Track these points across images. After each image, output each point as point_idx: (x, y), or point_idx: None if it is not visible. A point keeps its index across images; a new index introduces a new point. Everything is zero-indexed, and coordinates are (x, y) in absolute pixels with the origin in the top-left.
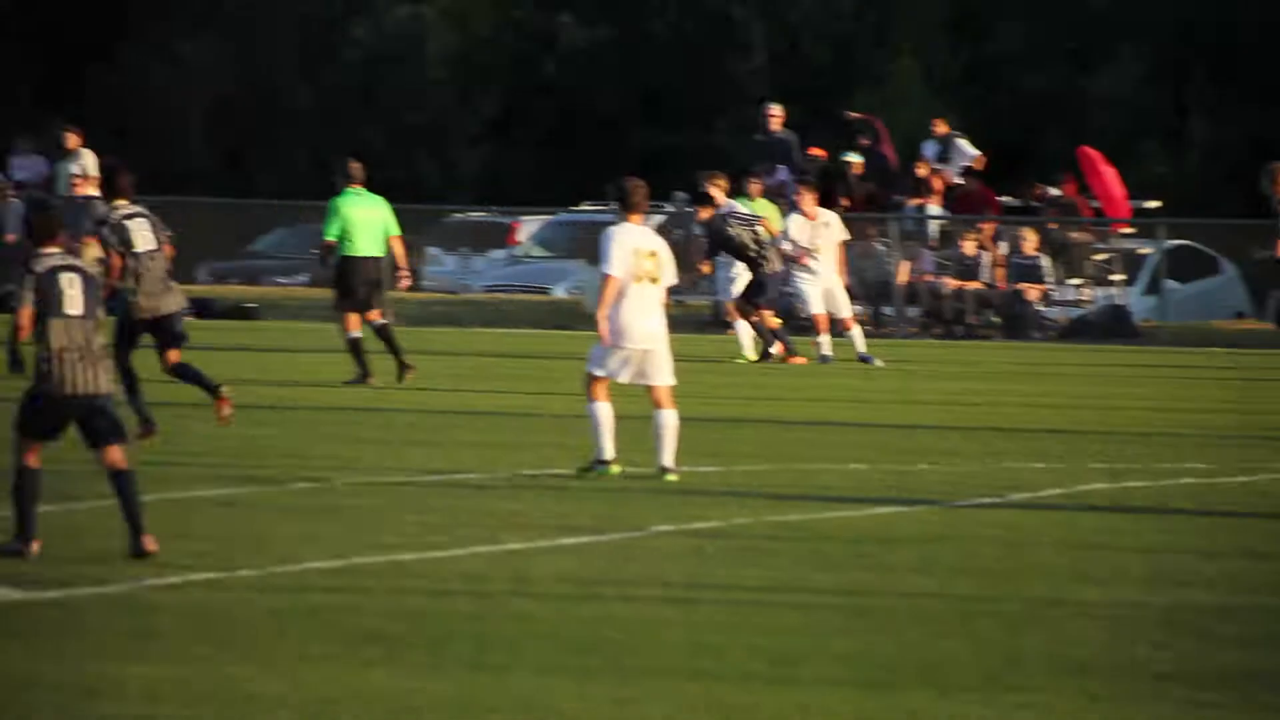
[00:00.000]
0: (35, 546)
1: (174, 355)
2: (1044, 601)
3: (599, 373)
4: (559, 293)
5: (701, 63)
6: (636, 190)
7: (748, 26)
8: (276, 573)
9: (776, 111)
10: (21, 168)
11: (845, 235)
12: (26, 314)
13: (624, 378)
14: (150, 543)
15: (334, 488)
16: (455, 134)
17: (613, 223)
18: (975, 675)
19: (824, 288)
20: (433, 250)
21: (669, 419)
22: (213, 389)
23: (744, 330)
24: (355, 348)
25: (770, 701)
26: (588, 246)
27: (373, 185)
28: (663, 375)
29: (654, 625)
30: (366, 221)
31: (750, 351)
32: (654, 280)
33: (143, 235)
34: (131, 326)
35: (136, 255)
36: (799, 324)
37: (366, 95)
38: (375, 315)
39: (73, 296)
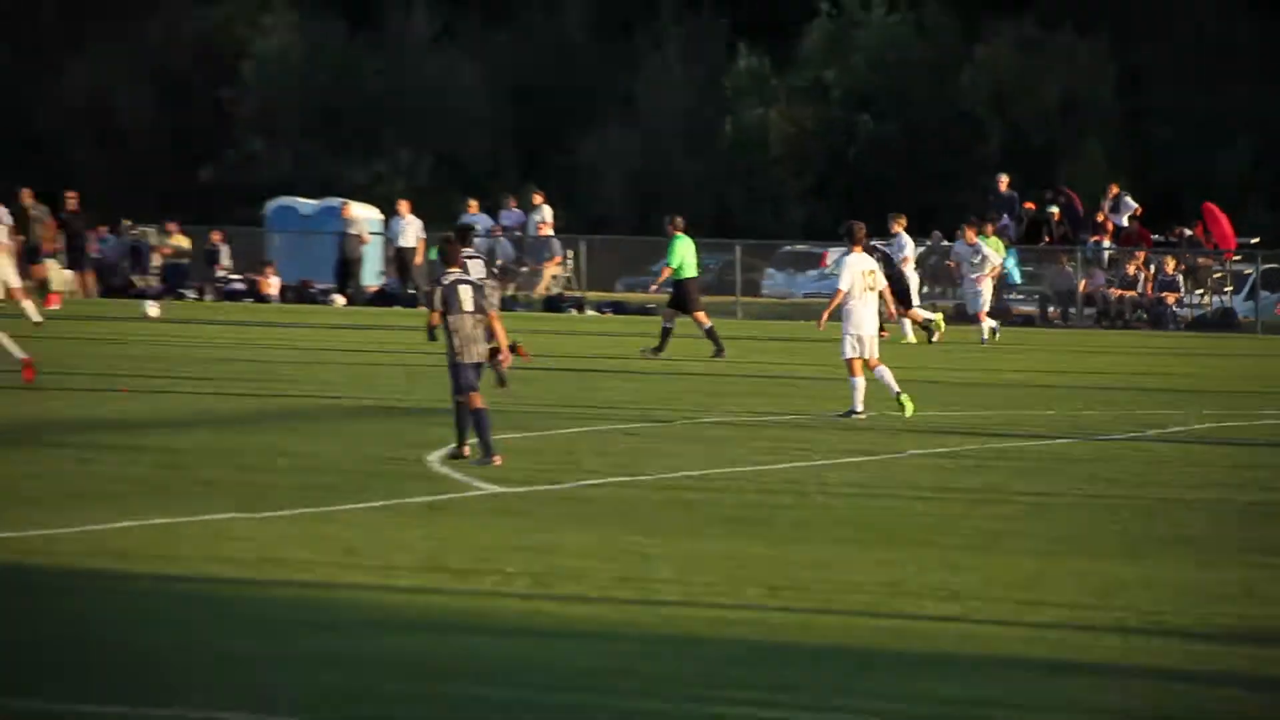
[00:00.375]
0: (498, 459)
1: (476, 398)
2: (1165, 500)
3: (851, 355)
4: None
5: (954, 145)
6: (859, 230)
7: (987, 122)
8: (663, 478)
9: (1004, 178)
10: (506, 217)
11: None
12: (435, 317)
13: (860, 353)
14: (497, 460)
15: (701, 423)
16: (788, 195)
17: (848, 253)
18: (1118, 546)
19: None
20: (770, 270)
21: (884, 370)
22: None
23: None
24: (710, 334)
25: (986, 562)
26: None
27: (732, 229)
28: (876, 349)
29: (909, 514)
30: (692, 254)
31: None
32: (872, 289)
33: (465, 298)
34: (453, 368)
35: (454, 315)
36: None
37: (729, 171)
38: (702, 316)
39: (466, 300)
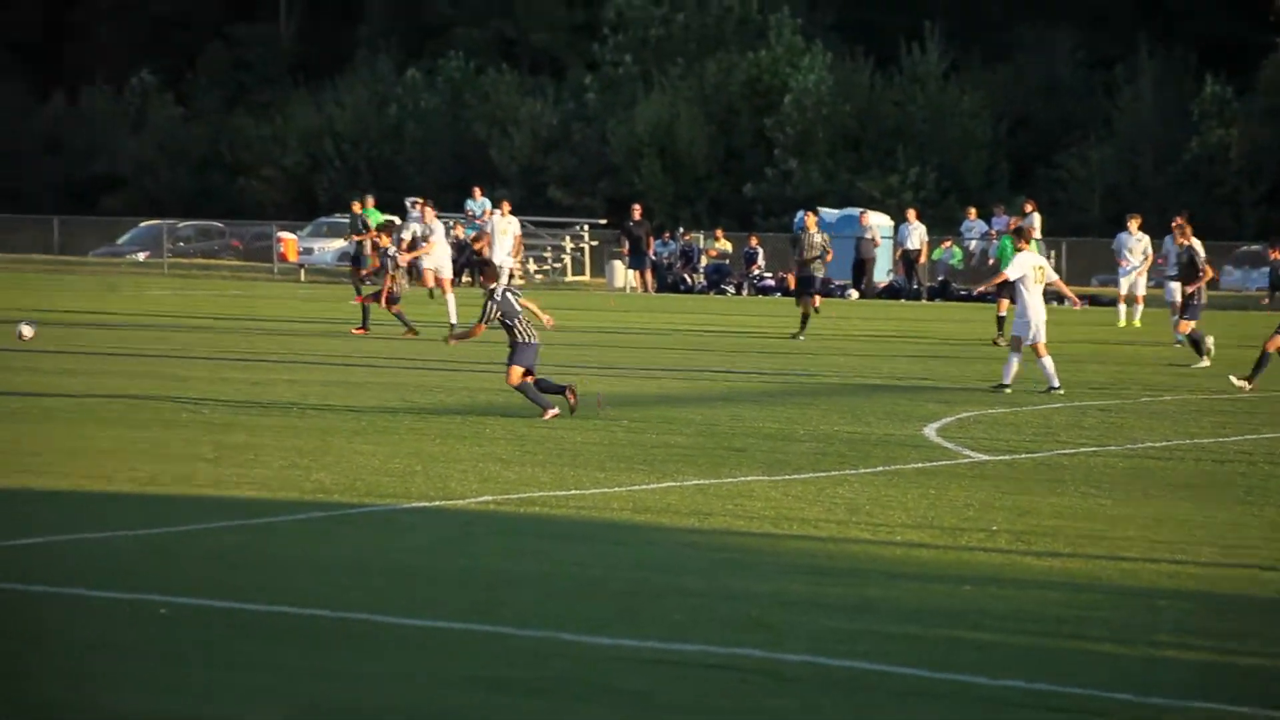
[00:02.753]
0: (550, 414)
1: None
2: None
3: (1021, 336)
4: None
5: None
6: (1029, 232)
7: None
8: (1129, 448)
9: None
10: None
11: None
12: (481, 329)
13: (1032, 339)
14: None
15: (1163, 400)
16: (1244, 201)
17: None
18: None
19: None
20: (1227, 266)
21: (1048, 361)
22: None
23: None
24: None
25: (1135, 510)
26: None
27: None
28: (1043, 335)
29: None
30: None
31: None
32: (1039, 282)
33: (516, 306)
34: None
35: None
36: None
37: (1193, 182)
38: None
39: (515, 304)
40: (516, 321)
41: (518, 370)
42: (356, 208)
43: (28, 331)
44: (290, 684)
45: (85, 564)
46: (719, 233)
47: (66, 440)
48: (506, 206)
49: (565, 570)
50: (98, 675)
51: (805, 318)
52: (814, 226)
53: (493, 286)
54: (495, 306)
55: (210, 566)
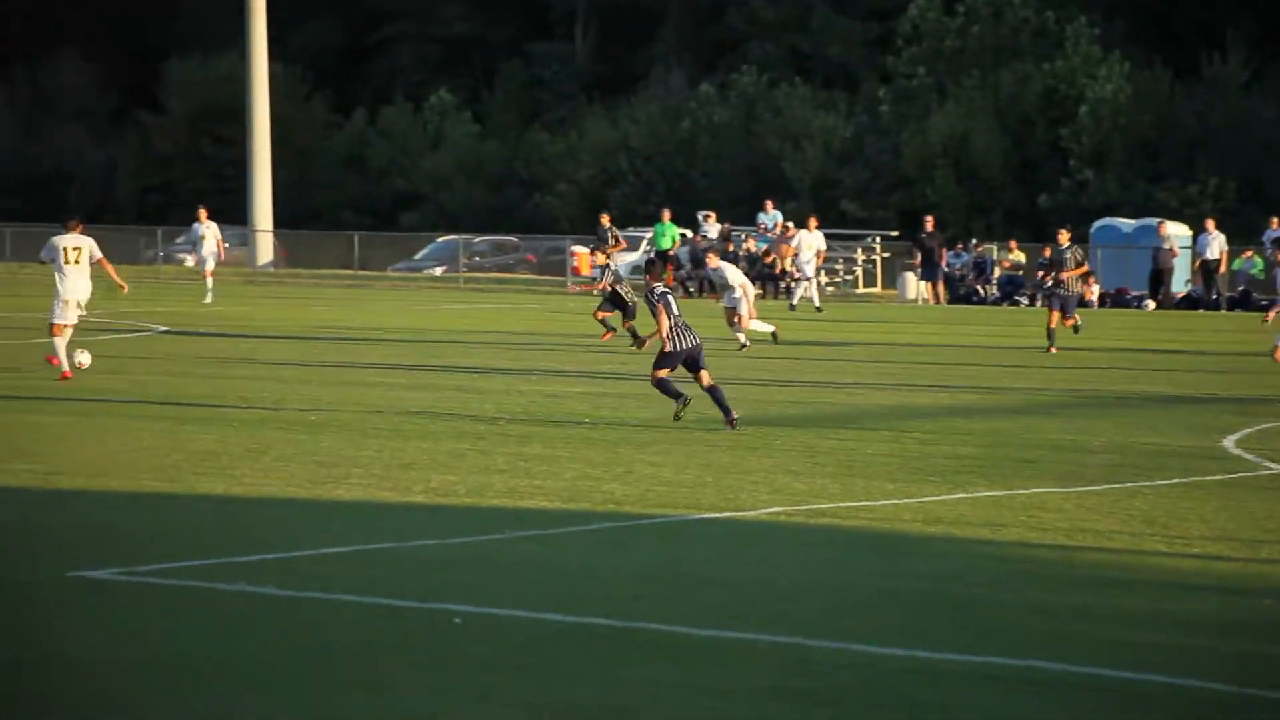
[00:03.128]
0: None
1: (705, 376)
2: None
3: None
4: None
5: None
6: None
7: None
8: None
9: None
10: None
11: None
12: (664, 320)
13: None
14: (734, 423)
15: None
16: None
17: None
18: None
19: None
20: None
21: None
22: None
23: None
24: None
25: None
26: None
27: None
28: None
29: None
30: None
31: None
32: None
33: (675, 305)
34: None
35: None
36: None
37: None
38: None
39: (674, 304)
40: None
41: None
42: (605, 220)
43: (85, 360)
44: (578, 691)
45: (383, 573)
46: (1012, 244)
47: (365, 451)
48: (813, 222)
49: (856, 581)
50: (396, 684)
51: (1051, 331)
52: (1066, 242)
53: (655, 285)
54: (659, 299)
55: (503, 577)
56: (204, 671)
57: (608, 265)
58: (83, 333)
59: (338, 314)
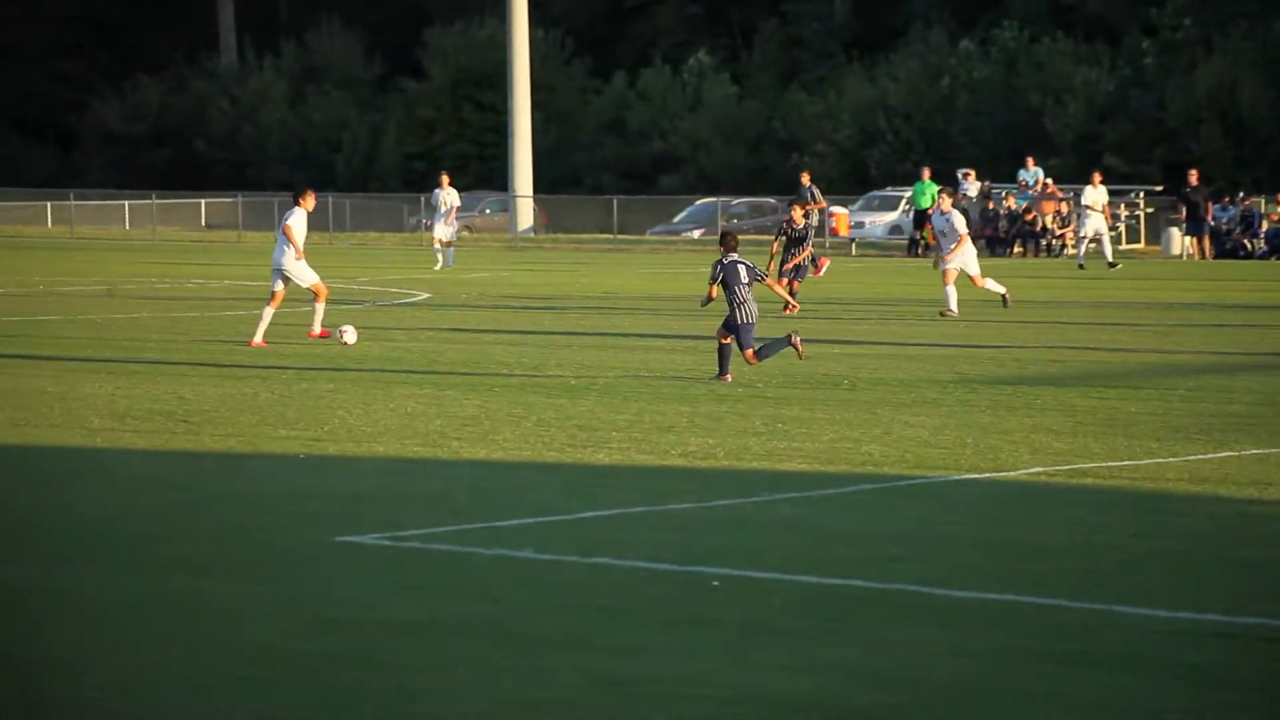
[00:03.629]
0: (728, 378)
1: (748, 354)
2: None
3: None
4: None
5: None
6: None
7: None
8: None
9: None
10: None
11: None
12: (713, 290)
13: None
14: (720, 379)
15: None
16: None
17: None
18: None
19: None
20: None
21: None
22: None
23: None
24: None
25: None
26: None
27: None
28: None
29: None
30: None
31: None
32: None
33: (740, 274)
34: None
35: (730, 288)
36: None
37: None
38: None
39: (742, 274)
40: (736, 291)
41: (728, 334)
42: (806, 179)
43: (350, 336)
44: (838, 654)
45: (641, 535)
46: None
47: (624, 415)
48: (1097, 177)
49: (1119, 541)
50: (654, 647)
51: None
52: None
53: (726, 255)
54: (720, 270)
55: (760, 539)
56: (465, 633)
57: (806, 229)
58: (344, 303)
59: (595, 277)
